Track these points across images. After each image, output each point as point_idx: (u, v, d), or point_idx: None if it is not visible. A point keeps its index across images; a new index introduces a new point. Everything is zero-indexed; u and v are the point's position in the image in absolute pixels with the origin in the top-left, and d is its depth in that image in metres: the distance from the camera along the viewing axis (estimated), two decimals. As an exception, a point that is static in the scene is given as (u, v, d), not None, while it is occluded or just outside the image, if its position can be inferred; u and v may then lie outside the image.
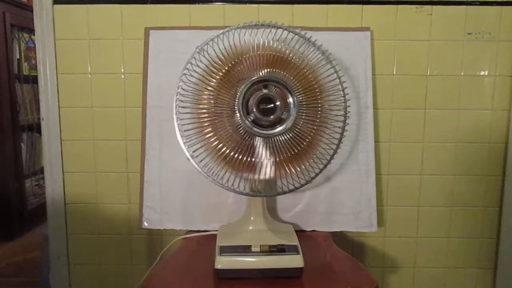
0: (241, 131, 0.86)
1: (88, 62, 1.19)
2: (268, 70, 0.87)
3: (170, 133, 1.12)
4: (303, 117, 0.89)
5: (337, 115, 0.95)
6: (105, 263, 1.26)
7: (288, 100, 0.87)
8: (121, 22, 1.17)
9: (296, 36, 0.92)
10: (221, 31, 0.90)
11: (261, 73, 0.87)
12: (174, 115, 0.90)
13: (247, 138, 0.87)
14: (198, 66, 0.89)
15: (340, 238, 1.22)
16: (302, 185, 0.94)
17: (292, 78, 0.88)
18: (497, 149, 1.22)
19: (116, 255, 1.25)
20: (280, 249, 0.87)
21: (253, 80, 0.85)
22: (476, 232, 1.25)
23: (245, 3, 1.16)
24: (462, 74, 1.19)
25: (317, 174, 0.95)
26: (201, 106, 0.89)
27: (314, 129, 0.91)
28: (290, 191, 0.94)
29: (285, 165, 0.90)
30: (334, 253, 1.01)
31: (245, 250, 0.87)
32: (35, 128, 2.45)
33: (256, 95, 0.85)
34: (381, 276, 1.27)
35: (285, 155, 0.88)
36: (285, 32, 0.93)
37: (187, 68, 0.89)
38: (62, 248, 1.24)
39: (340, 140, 0.95)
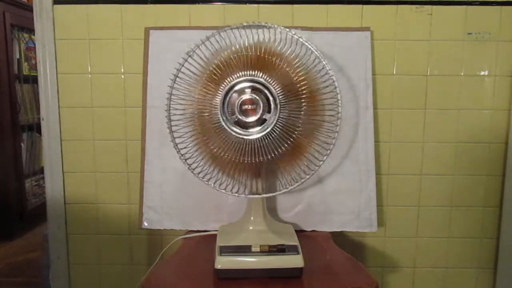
0: (228, 133, 0.87)
1: (88, 62, 1.19)
2: (252, 72, 0.88)
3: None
4: (287, 119, 0.88)
5: (331, 115, 0.93)
6: (105, 263, 1.26)
7: (270, 102, 0.87)
8: (121, 22, 1.17)
9: (289, 36, 0.92)
10: (211, 32, 0.91)
11: (247, 74, 0.87)
12: (167, 118, 0.92)
13: (231, 139, 0.88)
14: (189, 70, 0.91)
15: (340, 238, 1.22)
16: (294, 187, 0.93)
17: (276, 79, 0.88)
18: (497, 149, 1.22)
19: (116, 255, 1.25)
20: (280, 249, 0.87)
21: (234, 82, 0.86)
22: (476, 232, 1.25)
23: (245, 3, 1.16)
24: (462, 74, 1.19)
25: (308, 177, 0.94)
26: (191, 108, 0.91)
27: (297, 132, 0.89)
28: (282, 192, 0.94)
29: (272, 167, 0.90)
30: (334, 253, 1.01)
31: (245, 250, 0.87)
32: (35, 128, 2.45)
33: (241, 97, 0.86)
34: (381, 276, 1.27)
35: (268, 156, 0.88)
36: (278, 32, 0.93)
37: (180, 71, 0.91)
38: (62, 248, 1.24)
39: (333, 144, 0.92)
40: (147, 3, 1.16)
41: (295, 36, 0.90)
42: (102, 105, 1.20)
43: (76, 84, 1.19)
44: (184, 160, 0.92)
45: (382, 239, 1.25)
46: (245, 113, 0.86)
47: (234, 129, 0.86)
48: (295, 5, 1.15)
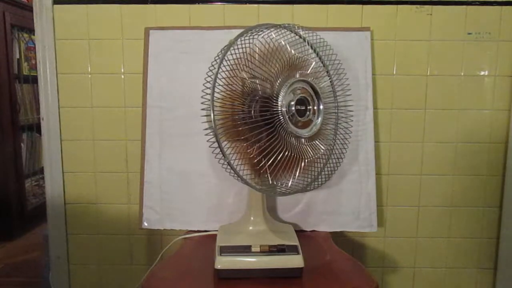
0: (279, 128, 0.84)
1: (88, 62, 1.19)
2: (300, 72, 0.89)
3: (170, 133, 1.12)
4: (329, 121, 0.94)
5: (330, 118, 0.98)
6: (105, 263, 1.26)
7: (319, 106, 0.90)
8: (121, 22, 1.17)
9: (314, 39, 0.94)
10: (250, 27, 0.88)
11: (297, 75, 0.88)
12: (212, 111, 0.81)
13: (281, 136, 0.85)
14: (227, 63, 0.86)
15: (340, 238, 1.22)
16: (309, 183, 0.96)
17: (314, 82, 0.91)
18: (497, 149, 1.22)
19: (116, 255, 1.25)
20: (280, 249, 0.87)
21: (294, 80, 0.85)
22: (476, 232, 1.25)
23: (245, 3, 1.16)
24: (462, 74, 1.19)
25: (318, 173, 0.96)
26: (231, 100, 0.87)
27: (335, 131, 0.95)
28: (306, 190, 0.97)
29: (302, 165, 0.91)
30: (334, 253, 1.01)
31: (245, 250, 0.87)
32: (35, 128, 2.45)
33: (295, 96, 0.85)
34: (381, 276, 1.27)
35: (310, 157, 0.91)
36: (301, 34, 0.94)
37: (222, 64, 0.84)
38: (62, 248, 1.24)
39: (333, 143, 0.97)
40: (147, 3, 1.16)
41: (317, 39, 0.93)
42: (102, 105, 1.20)
43: (76, 84, 1.19)
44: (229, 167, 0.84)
45: (382, 239, 1.25)
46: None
47: (295, 128, 0.85)
48: (295, 5, 1.15)
